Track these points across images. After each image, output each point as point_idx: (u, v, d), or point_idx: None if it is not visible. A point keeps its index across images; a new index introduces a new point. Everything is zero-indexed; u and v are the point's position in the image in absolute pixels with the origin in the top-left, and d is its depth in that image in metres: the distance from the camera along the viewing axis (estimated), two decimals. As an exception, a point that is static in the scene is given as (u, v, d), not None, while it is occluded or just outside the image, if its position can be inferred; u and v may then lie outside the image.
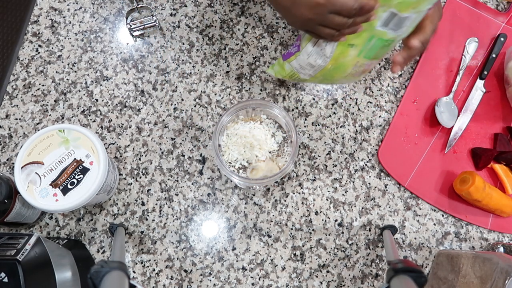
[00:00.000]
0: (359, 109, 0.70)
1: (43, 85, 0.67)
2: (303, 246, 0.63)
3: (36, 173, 0.52)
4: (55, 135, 0.53)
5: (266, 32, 0.72)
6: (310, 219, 0.64)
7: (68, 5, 0.71)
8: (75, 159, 0.53)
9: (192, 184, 0.65)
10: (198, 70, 0.70)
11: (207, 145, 0.66)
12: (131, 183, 0.64)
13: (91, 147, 0.53)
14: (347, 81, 0.62)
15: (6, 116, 0.66)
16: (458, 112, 0.69)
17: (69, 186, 0.52)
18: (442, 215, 0.66)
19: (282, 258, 0.62)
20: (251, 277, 0.61)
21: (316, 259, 0.63)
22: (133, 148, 0.65)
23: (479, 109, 0.70)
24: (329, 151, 0.67)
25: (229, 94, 0.69)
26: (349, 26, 0.49)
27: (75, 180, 0.52)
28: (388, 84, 0.71)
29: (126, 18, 0.70)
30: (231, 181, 0.65)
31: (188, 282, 0.61)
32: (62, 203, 0.51)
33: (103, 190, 0.55)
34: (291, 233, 0.64)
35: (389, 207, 0.66)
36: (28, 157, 0.52)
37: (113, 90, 0.68)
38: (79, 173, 0.52)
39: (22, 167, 0.52)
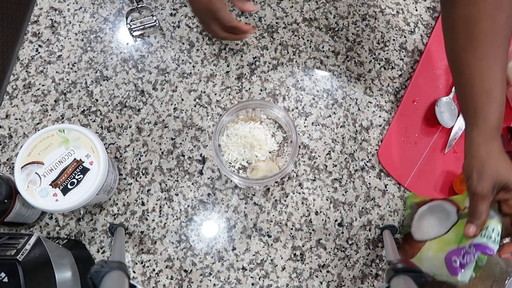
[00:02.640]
0: (359, 109, 0.70)
1: (43, 85, 0.67)
2: (303, 246, 0.63)
3: (36, 173, 0.52)
4: (55, 135, 0.53)
5: (266, 32, 0.72)
6: (310, 219, 0.64)
7: (68, 5, 0.71)
8: (75, 159, 0.53)
9: (192, 184, 0.65)
10: (198, 70, 0.70)
11: (207, 145, 0.66)
12: (131, 183, 0.64)
13: (91, 147, 0.53)
14: None
15: (6, 116, 0.66)
16: (458, 112, 0.69)
17: (69, 186, 0.52)
18: (442, 215, 0.66)
19: (282, 258, 0.62)
20: (251, 277, 0.61)
21: (316, 259, 0.63)
22: (133, 148, 0.65)
23: (479, 109, 0.70)
24: (329, 151, 0.67)
25: (229, 94, 0.69)
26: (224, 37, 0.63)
27: (75, 180, 0.52)
28: (388, 84, 0.71)
29: (126, 18, 0.70)
30: (231, 181, 0.65)
31: (188, 282, 0.61)
32: (62, 203, 0.51)
33: (103, 190, 0.55)
34: (291, 233, 0.64)
35: (389, 207, 0.66)
36: (28, 157, 0.52)
37: (113, 90, 0.68)
38: (79, 173, 0.52)
39: (22, 167, 0.52)
